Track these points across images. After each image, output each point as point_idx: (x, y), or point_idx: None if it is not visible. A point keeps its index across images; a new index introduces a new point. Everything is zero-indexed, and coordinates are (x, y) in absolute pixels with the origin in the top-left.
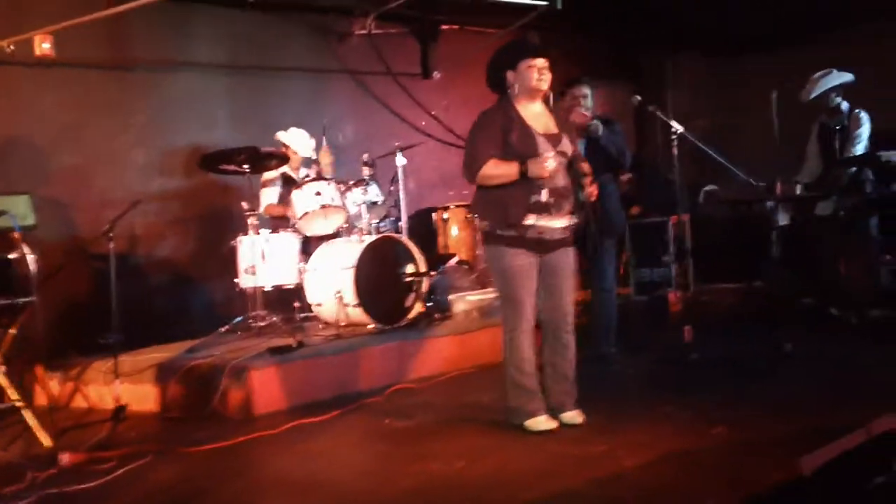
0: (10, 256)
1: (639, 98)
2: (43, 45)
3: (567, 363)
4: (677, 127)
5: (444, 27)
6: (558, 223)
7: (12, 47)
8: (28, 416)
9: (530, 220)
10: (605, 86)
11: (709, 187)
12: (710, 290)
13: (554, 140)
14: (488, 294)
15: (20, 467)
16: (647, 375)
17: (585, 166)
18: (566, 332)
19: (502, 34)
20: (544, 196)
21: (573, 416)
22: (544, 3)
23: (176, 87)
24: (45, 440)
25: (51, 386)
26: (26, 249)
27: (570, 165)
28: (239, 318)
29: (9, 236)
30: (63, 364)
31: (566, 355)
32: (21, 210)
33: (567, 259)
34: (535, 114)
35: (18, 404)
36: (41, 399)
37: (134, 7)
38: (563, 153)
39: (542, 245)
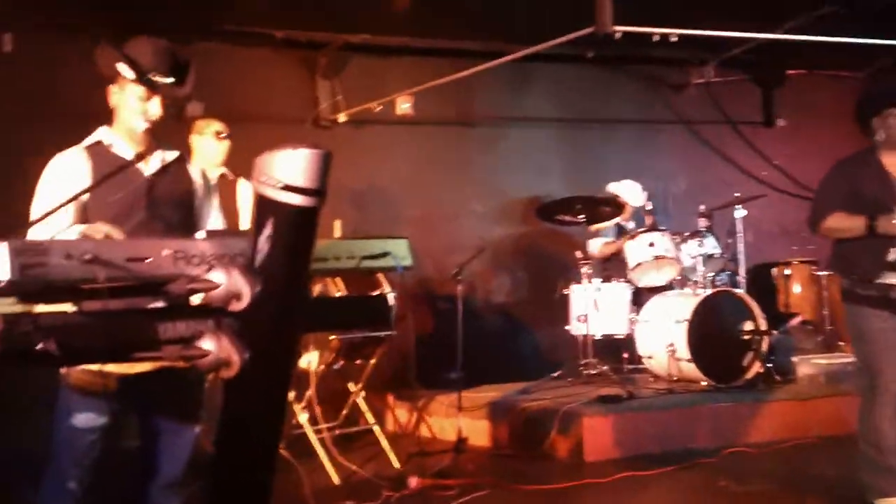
0: (388, 293)
1: None
2: (403, 105)
3: None
4: None
5: (790, 72)
6: None
7: (380, 107)
8: (381, 438)
9: (890, 278)
10: None
11: None
12: None
13: None
14: (837, 358)
15: (375, 485)
16: None
17: None
18: None
19: (857, 78)
20: (893, 254)
21: None
22: None
23: (513, 140)
24: (395, 462)
25: (398, 414)
26: (388, 287)
27: None
28: (567, 365)
29: (377, 275)
30: (410, 394)
31: None
32: (401, 252)
33: None
34: None
35: (374, 427)
36: (390, 425)
37: (482, 70)
38: None
39: None
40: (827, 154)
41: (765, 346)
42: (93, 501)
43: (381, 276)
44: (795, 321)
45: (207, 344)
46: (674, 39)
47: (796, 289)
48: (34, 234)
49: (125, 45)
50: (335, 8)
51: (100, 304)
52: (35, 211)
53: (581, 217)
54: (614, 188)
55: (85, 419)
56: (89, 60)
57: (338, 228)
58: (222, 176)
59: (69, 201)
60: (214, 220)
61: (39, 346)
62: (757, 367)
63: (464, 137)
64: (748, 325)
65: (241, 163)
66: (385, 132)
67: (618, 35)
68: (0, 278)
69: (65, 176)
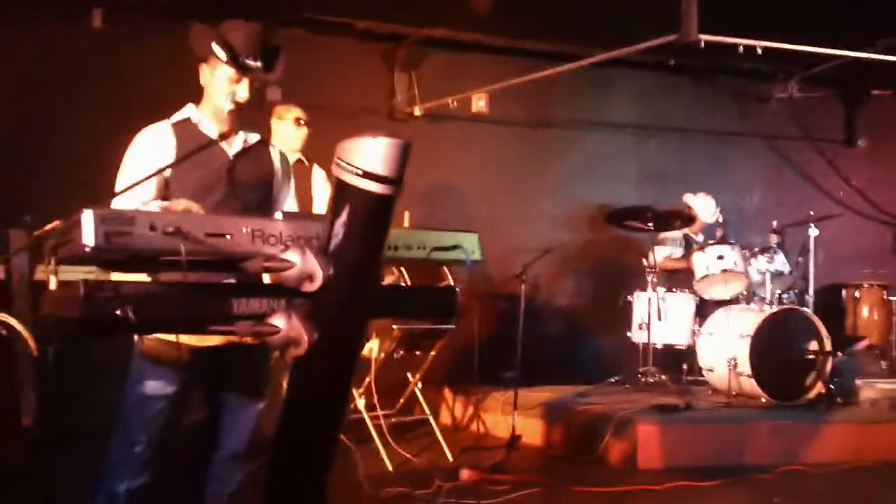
0: (454, 286)
1: None
2: (479, 103)
3: None
4: None
5: (876, 92)
6: None
7: (455, 104)
8: (436, 430)
9: None
10: None
11: None
12: None
13: None
14: None
15: (428, 474)
16: None
17: None
18: None
19: None
20: None
21: None
22: None
23: (588, 145)
24: (448, 455)
25: (454, 407)
26: (452, 281)
27: None
28: (626, 371)
29: (443, 268)
30: (467, 389)
31: None
32: (472, 246)
33: None
34: None
35: (429, 418)
36: (445, 418)
37: (563, 71)
38: None
39: None
40: None
41: (828, 367)
42: (157, 468)
43: (446, 270)
44: (862, 344)
45: (278, 322)
46: (759, 52)
47: (865, 312)
48: (118, 204)
49: (220, 27)
50: (416, 2)
51: (178, 276)
52: (120, 181)
53: (650, 224)
54: (690, 200)
55: (155, 387)
56: (174, 41)
57: (407, 219)
58: (299, 161)
59: (153, 175)
60: (289, 204)
61: (118, 313)
62: (819, 388)
63: (538, 139)
64: (813, 345)
65: (315, 149)
66: (460, 128)
67: (702, 44)
68: (85, 244)
69: (150, 149)
